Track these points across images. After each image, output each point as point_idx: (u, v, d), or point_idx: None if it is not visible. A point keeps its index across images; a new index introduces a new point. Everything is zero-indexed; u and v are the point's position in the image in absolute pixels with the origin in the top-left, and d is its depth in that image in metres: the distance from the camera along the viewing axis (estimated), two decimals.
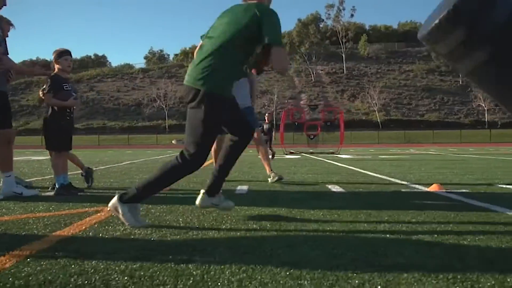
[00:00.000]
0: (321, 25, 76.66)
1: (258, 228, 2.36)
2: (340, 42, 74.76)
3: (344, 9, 73.26)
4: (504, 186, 4.40)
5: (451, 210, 2.88)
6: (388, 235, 2.16)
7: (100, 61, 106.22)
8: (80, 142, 43.21)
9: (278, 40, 2.30)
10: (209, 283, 1.43)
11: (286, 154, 13.96)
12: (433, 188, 4.10)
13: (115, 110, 64.97)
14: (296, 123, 14.62)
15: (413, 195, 3.81)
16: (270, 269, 1.59)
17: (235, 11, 2.44)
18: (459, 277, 1.48)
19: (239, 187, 4.41)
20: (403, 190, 4.16)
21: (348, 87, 68.20)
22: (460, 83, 68.32)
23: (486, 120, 54.26)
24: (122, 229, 2.32)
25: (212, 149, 5.28)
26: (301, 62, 71.86)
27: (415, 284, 1.41)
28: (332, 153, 14.31)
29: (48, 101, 3.91)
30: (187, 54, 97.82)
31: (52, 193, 3.91)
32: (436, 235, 2.14)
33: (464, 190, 4.03)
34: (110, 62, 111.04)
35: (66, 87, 4.00)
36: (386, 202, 3.35)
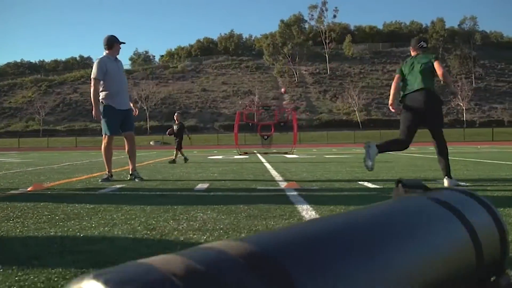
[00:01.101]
0: (306, 26, 77.15)
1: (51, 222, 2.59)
2: (324, 43, 75.30)
3: (326, 10, 73.85)
4: (361, 183, 4.68)
5: (254, 203, 3.13)
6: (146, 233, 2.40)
7: (85, 63, 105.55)
8: (58, 143, 43.10)
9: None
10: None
11: (240, 155, 14.18)
12: (288, 185, 4.38)
13: None
14: (250, 124, 14.84)
15: (257, 190, 4.05)
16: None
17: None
18: None
19: (113, 187, 4.63)
20: (258, 187, 4.42)
21: (330, 87, 68.71)
22: (441, 83, 69.09)
23: (464, 119, 55.03)
24: None
25: (125, 148, 5.54)
26: (285, 62, 72.21)
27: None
28: (286, 153, 14.58)
29: None
30: (172, 55, 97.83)
31: None
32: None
33: (314, 187, 4.29)
34: None
35: None
36: (216, 199, 3.60)
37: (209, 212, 2.91)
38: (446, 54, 71.23)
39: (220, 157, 13.04)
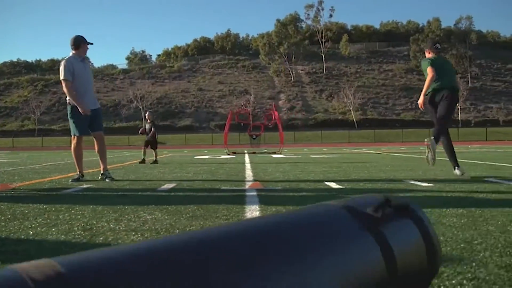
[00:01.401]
0: (302, 26, 77.17)
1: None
2: (320, 42, 75.38)
3: (323, 9, 73.96)
4: (327, 183, 4.70)
5: (196, 203, 3.15)
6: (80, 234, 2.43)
7: None
8: (52, 143, 43.04)
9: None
10: None
11: (229, 154, 14.21)
12: (252, 185, 4.42)
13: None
14: (241, 124, 14.83)
15: (220, 191, 4.07)
16: None
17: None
18: None
19: (80, 187, 4.65)
20: (223, 187, 4.45)
21: (327, 86, 68.79)
22: None
23: (459, 119, 55.18)
24: None
25: (95, 148, 5.56)
26: (281, 62, 72.24)
27: None
28: (274, 153, 14.61)
29: None
30: (169, 55, 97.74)
31: None
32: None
33: (277, 188, 4.32)
34: (92, 63, 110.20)
35: None
36: (173, 199, 3.62)
37: (156, 212, 2.93)
38: (442, 53, 71.26)
39: (207, 157, 13.07)
